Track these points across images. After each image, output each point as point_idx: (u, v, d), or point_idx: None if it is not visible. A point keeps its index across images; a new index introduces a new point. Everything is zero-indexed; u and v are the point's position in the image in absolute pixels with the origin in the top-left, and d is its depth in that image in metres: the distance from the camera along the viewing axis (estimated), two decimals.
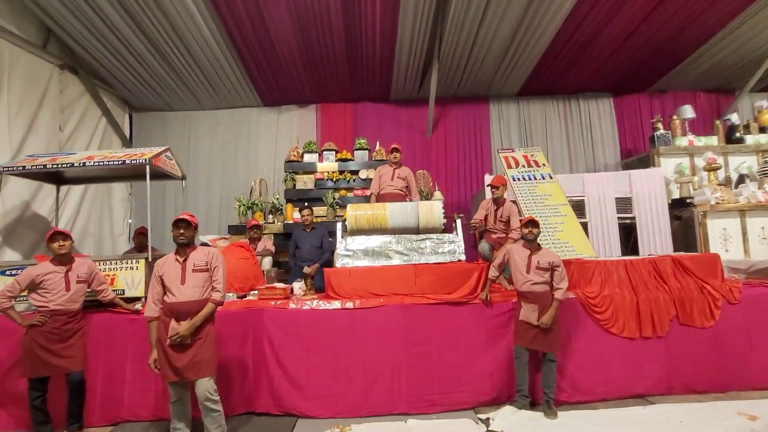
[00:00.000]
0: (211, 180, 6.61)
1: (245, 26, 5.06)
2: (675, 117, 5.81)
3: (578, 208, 5.21)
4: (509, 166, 5.31)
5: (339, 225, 3.99)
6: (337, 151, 5.93)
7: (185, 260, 2.69)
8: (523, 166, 5.30)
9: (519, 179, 5.12)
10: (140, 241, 4.64)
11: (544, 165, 5.31)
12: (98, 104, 5.91)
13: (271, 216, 5.65)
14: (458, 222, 3.99)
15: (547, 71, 6.29)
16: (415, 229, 3.97)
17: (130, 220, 6.55)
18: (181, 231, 2.67)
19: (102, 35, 5.05)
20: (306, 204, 5.03)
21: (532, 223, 3.37)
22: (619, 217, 5.20)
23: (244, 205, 5.61)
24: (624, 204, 5.25)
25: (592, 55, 5.94)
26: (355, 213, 3.96)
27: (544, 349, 3.25)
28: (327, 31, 5.23)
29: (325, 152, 5.94)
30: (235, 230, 5.49)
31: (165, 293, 2.66)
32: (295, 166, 5.84)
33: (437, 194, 5.69)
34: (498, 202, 4.36)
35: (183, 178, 4.43)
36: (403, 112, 6.86)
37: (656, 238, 5.10)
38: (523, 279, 3.32)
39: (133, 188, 6.59)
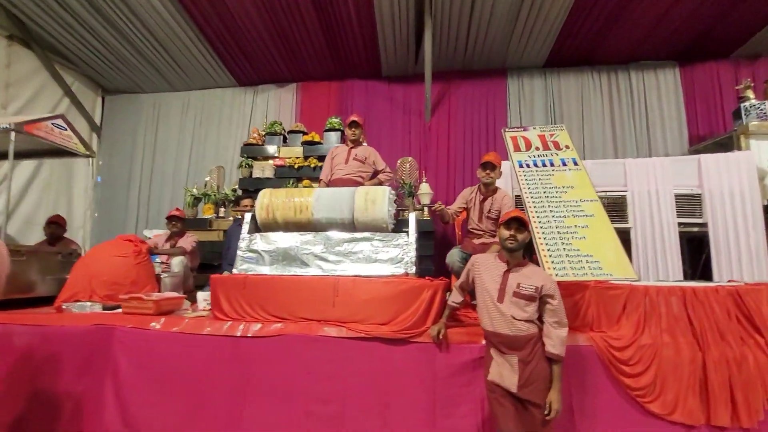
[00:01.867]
0: (178, 167, 5.88)
1: None
2: None
3: (616, 207, 3.65)
4: (517, 149, 3.88)
5: (247, 217, 2.89)
6: (305, 133, 4.87)
7: None
8: (537, 149, 3.84)
9: (528, 165, 3.68)
10: (51, 231, 3.89)
11: (567, 147, 3.80)
12: (59, 83, 5.42)
13: (223, 209, 4.72)
14: (412, 217, 2.71)
15: (581, 32, 4.77)
16: (350, 225, 2.76)
17: (96, 214, 6.00)
18: None
19: (47, 5, 4.49)
20: (249, 195, 4.03)
21: (517, 223, 2.04)
22: (680, 223, 3.55)
23: (193, 195, 4.73)
24: (689, 204, 3.58)
25: (645, 6, 4.35)
26: (267, 201, 2.84)
27: None
28: None
29: (291, 134, 4.92)
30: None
31: None
32: (254, 151, 4.87)
33: (424, 187, 4.40)
34: (487, 189, 3.05)
35: (89, 155, 3.63)
36: (398, 91, 5.66)
37: (742, 257, 3.38)
38: (493, 312, 2.00)
39: (102, 175, 6.05)
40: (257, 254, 2.72)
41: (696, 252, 3.80)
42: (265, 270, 2.67)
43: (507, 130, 4.20)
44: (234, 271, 2.71)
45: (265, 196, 2.85)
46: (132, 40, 5.00)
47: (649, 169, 3.62)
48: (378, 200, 2.67)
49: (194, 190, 4.82)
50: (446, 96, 5.57)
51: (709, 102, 5.08)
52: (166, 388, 2.37)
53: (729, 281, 3.04)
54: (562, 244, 3.03)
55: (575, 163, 3.64)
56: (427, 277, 2.47)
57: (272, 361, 2.36)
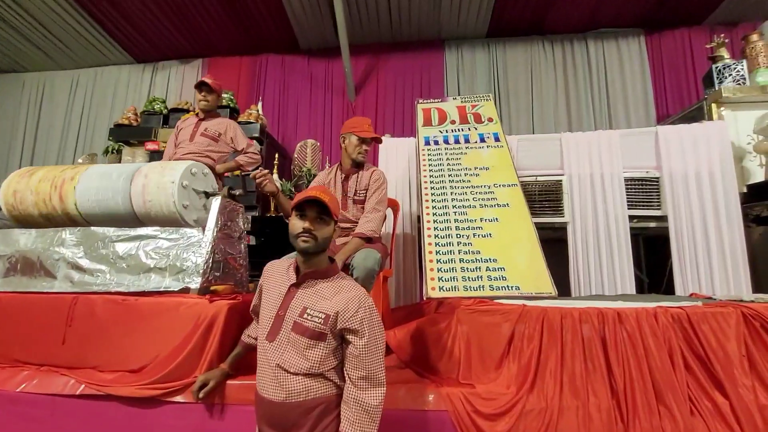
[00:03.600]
0: (64, 155, 5.00)
1: None
2: (754, 37, 3.19)
3: (550, 195, 2.79)
4: (427, 123, 3.05)
5: None
6: (187, 112, 4.01)
7: None
8: (452, 122, 2.99)
9: (436, 143, 2.82)
10: None
11: (490, 120, 2.95)
12: None
13: None
14: (214, 203, 1.83)
15: None
16: (133, 218, 1.87)
17: None
18: None
19: None
20: None
21: (317, 208, 1.19)
22: (633, 217, 2.68)
23: None
24: (644, 191, 2.72)
25: None
26: (15, 185, 1.95)
27: None
28: None
29: (174, 114, 4.05)
30: None
31: None
32: (125, 133, 3.99)
33: None
34: (354, 166, 2.21)
35: None
36: (318, 66, 4.81)
37: (713, 263, 2.51)
38: (260, 358, 1.16)
39: None
40: None
41: (661, 258, 2.94)
42: None
43: (421, 102, 3.37)
44: None
45: (14, 178, 1.96)
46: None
47: (591, 146, 2.76)
48: (163, 179, 1.78)
49: None
50: (374, 72, 4.73)
51: (680, 75, 4.26)
52: None
53: (691, 295, 2.19)
54: (459, 244, 2.17)
55: (497, 139, 2.79)
56: (207, 295, 1.58)
57: None
